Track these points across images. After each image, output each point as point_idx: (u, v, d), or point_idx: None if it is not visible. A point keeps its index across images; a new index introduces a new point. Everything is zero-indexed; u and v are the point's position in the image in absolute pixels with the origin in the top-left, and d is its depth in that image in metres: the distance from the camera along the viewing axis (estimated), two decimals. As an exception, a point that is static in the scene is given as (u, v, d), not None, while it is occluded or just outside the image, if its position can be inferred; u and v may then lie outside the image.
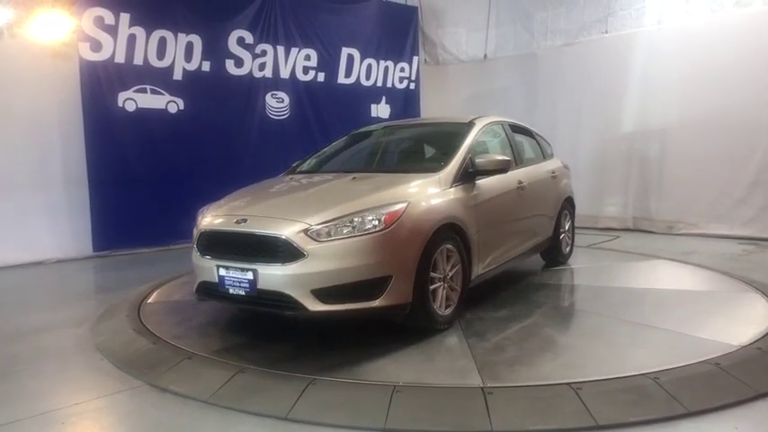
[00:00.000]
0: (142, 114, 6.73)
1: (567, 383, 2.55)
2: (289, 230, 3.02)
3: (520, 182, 4.35)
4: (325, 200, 3.37)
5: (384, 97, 9.07)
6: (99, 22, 6.37)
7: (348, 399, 2.55)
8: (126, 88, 6.63)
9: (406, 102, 9.35)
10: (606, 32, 8.01)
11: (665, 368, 2.67)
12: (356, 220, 3.02)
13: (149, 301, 4.36)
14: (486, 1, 9.25)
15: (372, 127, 5.12)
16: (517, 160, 4.55)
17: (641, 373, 2.63)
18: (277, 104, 7.94)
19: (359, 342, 3.25)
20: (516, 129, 4.98)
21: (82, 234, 6.48)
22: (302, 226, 3.02)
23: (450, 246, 3.40)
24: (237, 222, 3.25)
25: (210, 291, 3.34)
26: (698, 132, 7.06)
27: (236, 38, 7.41)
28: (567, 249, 5.50)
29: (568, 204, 5.48)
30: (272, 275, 3.00)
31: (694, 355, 2.84)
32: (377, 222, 3.02)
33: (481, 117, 4.48)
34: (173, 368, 2.96)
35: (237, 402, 2.57)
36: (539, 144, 5.32)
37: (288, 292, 2.96)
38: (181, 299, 4.36)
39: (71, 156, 6.42)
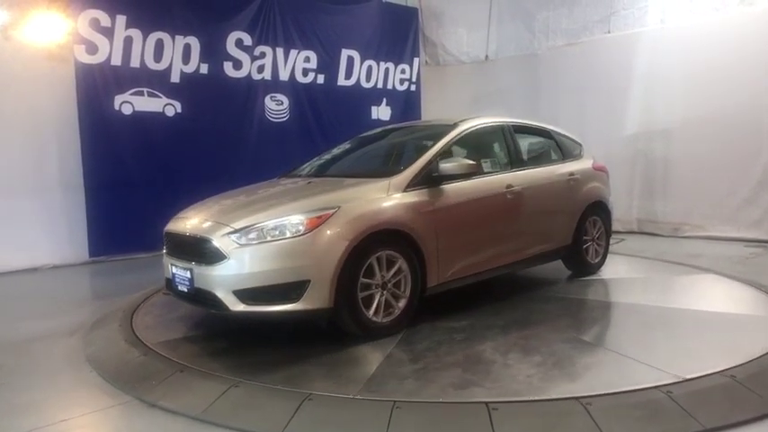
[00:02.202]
0: (139, 117, 6.63)
1: (576, 398, 2.42)
2: (215, 233, 3.21)
3: (509, 185, 4.13)
4: (261, 204, 3.47)
5: (384, 99, 8.96)
6: (95, 24, 6.27)
7: (346, 416, 2.44)
8: (122, 91, 6.52)
9: (406, 103, 9.24)
10: (609, 32, 7.89)
11: (679, 380, 2.55)
12: (279, 224, 3.13)
13: (143, 309, 4.25)
14: (486, 1, 9.15)
15: (370, 132, 5.09)
16: (513, 163, 4.36)
17: (654, 385, 2.51)
18: (276, 107, 7.84)
19: (351, 353, 3.15)
20: (523, 129, 4.81)
21: (78, 239, 6.38)
22: (227, 229, 3.19)
23: (392, 252, 3.35)
24: (184, 224, 3.55)
25: (169, 286, 3.61)
26: (703, 132, 6.94)
27: (235, 40, 7.31)
28: (597, 259, 5.03)
29: (597, 210, 4.99)
30: (203, 275, 3.21)
31: (707, 365, 2.71)
32: (299, 227, 3.10)
33: (468, 119, 4.33)
34: (164, 382, 2.84)
35: (230, 419, 2.46)
36: (558, 145, 5.00)
37: (213, 291, 3.15)
38: (175, 307, 4.24)
39: (67, 159, 6.32)
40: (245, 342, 3.43)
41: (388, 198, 3.45)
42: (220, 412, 2.51)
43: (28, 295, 5.23)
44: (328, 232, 3.13)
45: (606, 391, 2.49)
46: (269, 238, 3.10)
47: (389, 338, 3.33)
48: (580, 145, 5.25)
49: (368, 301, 3.30)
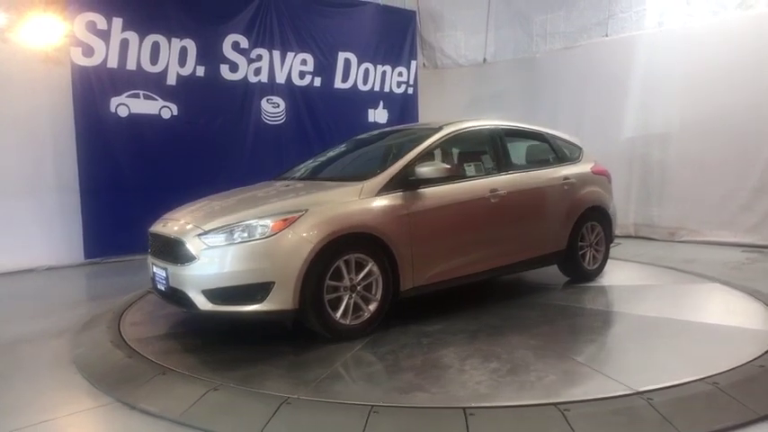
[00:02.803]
0: (135, 120, 6.65)
1: (554, 404, 2.41)
2: (187, 235, 3.32)
3: (494, 189, 4.08)
4: (236, 207, 3.54)
5: (381, 102, 8.95)
6: (91, 26, 6.30)
7: (322, 420, 2.43)
8: (118, 93, 6.54)
9: (403, 107, 9.22)
10: (606, 35, 7.87)
11: (660, 387, 2.53)
12: (246, 226, 3.21)
13: (132, 310, 4.25)
14: (484, 4, 9.15)
15: (363, 135, 5.09)
16: (501, 166, 4.30)
17: (634, 392, 2.49)
18: (273, 109, 7.84)
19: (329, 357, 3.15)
20: (515, 133, 4.78)
21: (73, 241, 6.39)
22: (198, 231, 3.29)
23: (361, 255, 3.37)
24: (163, 225, 3.66)
25: (152, 284, 3.71)
26: (700, 137, 6.91)
27: (231, 42, 7.32)
28: (595, 266, 4.90)
29: (596, 215, 4.86)
30: (176, 275, 3.32)
31: (690, 372, 2.69)
32: (265, 230, 3.17)
33: (454, 122, 4.30)
34: (145, 384, 2.84)
35: (208, 422, 2.46)
36: (553, 148, 4.91)
37: (185, 290, 3.25)
38: (164, 309, 4.25)
39: (63, 161, 6.34)
40: (223, 341, 3.46)
41: (359, 202, 3.47)
42: (198, 415, 2.51)
43: (21, 296, 5.24)
44: (293, 235, 3.18)
45: (585, 398, 2.47)
46: (236, 240, 3.18)
47: (358, 341, 3.34)
48: (579, 148, 5.14)
49: (336, 303, 3.33)
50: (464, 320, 3.75)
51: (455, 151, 4.38)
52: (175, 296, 3.38)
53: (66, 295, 5.31)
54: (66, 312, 4.44)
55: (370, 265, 3.42)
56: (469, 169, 4.28)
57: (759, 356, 2.90)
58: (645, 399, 2.43)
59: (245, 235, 3.18)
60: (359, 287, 3.40)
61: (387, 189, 3.59)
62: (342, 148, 4.90)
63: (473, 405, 2.43)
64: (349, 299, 3.37)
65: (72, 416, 2.63)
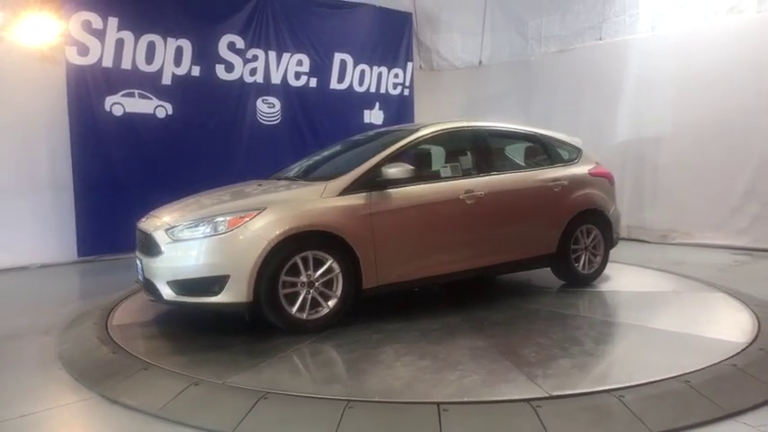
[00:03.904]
0: (130, 119, 6.69)
1: (526, 400, 2.44)
2: (157, 230, 3.55)
3: (469, 191, 4.06)
4: (205, 204, 3.74)
5: (377, 103, 8.99)
6: (86, 26, 6.35)
7: (298, 414, 2.46)
8: (113, 92, 6.59)
9: (399, 108, 9.26)
10: (600, 39, 7.92)
11: (632, 384, 2.56)
12: (206, 222, 3.41)
13: (121, 307, 4.29)
14: (480, 7, 9.19)
15: (357, 136, 5.12)
16: (481, 167, 4.27)
17: (606, 389, 2.52)
18: (268, 110, 7.89)
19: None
20: (503, 134, 4.77)
21: (67, 239, 6.44)
22: (165, 226, 3.53)
23: (320, 252, 3.48)
24: (146, 220, 3.88)
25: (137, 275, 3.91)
26: (692, 140, 6.95)
27: (227, 42, 7.37)
28: (591, 270, 4.75)
29: (593, 218, 4.73)
30: (148, 267, 3.57)
31: (663, 371, 2.72)
32: (222, 226, 3.36)
33: (432, 124, 4.33)
34: (127, 379, 2.88)
35: (187, 416, 2.49)
36: (545, 150, 4.81)
37: (154, 281, 3.50)
38: (153, 306, 4.27)
39: (57, 159, 6.39)
40: (207, 338, 3.51)
41: (319, 201, 3.58)
42: (177, 410, 2.54)
43: (12, 293, 5.28)
44: (248, 232, 3.34)
45: (559, 393, 2.50)
46: (196, 236, 3.40)
47: (315, 335, 3.45)
48: (578, 150, 5.01)
49: (294, 297, 3.44)
50: (429, 320, 3.76)
51: (433, 152, 4.40)
52: (149, 286, 3.61)
53: (57, 293, 5.35)
54: (56, 309, 4.47)
55: (330, 263, 3.52)
56: (445, 170, 4.29)
57: (732, 356, 2.93)
58: (616, 396, 2.46)
59: (207, 230, 3.38)
60: (317, 283, 3.50)
61: (351, 189, 3.68)
62: (336, 147, 4.92)
63: (447, 401, 2.47)
64: (306, 294, 3.48)
65: (53, 410, 2.67)
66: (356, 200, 3.66)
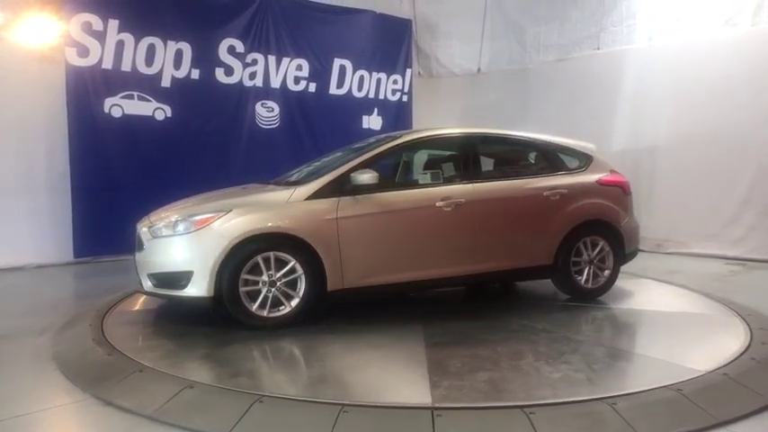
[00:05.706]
0: (128, 121, 6.71)
1: (520, 406, 2.46)
2: (143, 227, 3.91)
3: (446, 198, 4.00)
4: (186, 205, 4.02)
5: (376, 109, 9.03)
6: (87, 27, 6.38)
7: (292, 418, 2.47)
8: (113, 94, 6.61)
9: (398, 114, 9.30)
10: (598, 48, 7.98)
11: (625, 392, 2.58)
12: (178, 222, 3.71)
13: (117, 309, 4.29)
14: (480, 15, 9.26)
15: (359, 142, 5.11)
16: (466, 175, 4.21)
17: (598, 397, 2.54)
18: (267, 114, 7.91)
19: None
20: (496, 140, 4.69)
21: (63, 240, 6.43)
22: (148, 224, 3.86)
23: (282, 253, 3.65)
24: (140, 220, 4.10)
25: None
26: (688, 150, 7.00)
27: (227, 46, 7.40)
28: (596, 285, 4.50)
29: (599, 229, 4.49)
30: (135, 260, 3.93)
31: (656, 379, 2.74)
32: (190, 226, 3.66)
33: (415, 131, 4.40)
34: (122, 381, 2.88)
35: (181, 419, 2.49)
36: (545, 157, 4.65)
37: (139, 273, 3.86)
38: (149, 308, 4.30)
39: (55, 161, 6.40)
40: (202, 340, 3.52)
41: (284, 205, 3.76)
42: (172, 412, 2.54)
43: (8, 294, 5.28)
44: (212, 231, 3.61)
45: (553, 401, 2.52)
46: (169, 234, 3.72)
47: (279, 332, 3.61)
48: (588, 157, 4.76)
49: (256, 295, 3.64)
50: (395, 326, 3.78)
51: (416, 159, 4.43)
52: (137, 278, 3.93)
53: (53, 293, 5.34)
54: (52, 310, 4.46)
55: (293, 264, 3.67)
56: (424, 177, 4.30)
57: (724, 365, 2.95)
58: (609, 404, 2.48)
59: (179, 229, 3.69)
60: (279, 283, 3.66)
61: (320, 194, 3.81)
62: (337, 154, 4.91)
63: (440, 405, 2.48)
64: (267, 292, 3.65)
65: (46, 411, 2.66)
66: (322, 204, 3.79)
